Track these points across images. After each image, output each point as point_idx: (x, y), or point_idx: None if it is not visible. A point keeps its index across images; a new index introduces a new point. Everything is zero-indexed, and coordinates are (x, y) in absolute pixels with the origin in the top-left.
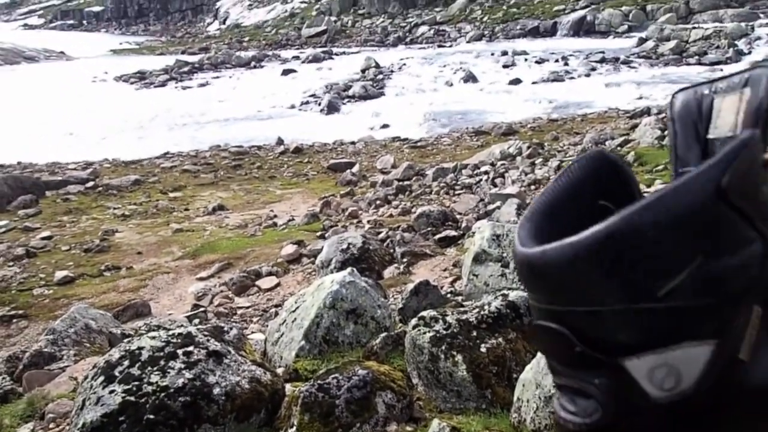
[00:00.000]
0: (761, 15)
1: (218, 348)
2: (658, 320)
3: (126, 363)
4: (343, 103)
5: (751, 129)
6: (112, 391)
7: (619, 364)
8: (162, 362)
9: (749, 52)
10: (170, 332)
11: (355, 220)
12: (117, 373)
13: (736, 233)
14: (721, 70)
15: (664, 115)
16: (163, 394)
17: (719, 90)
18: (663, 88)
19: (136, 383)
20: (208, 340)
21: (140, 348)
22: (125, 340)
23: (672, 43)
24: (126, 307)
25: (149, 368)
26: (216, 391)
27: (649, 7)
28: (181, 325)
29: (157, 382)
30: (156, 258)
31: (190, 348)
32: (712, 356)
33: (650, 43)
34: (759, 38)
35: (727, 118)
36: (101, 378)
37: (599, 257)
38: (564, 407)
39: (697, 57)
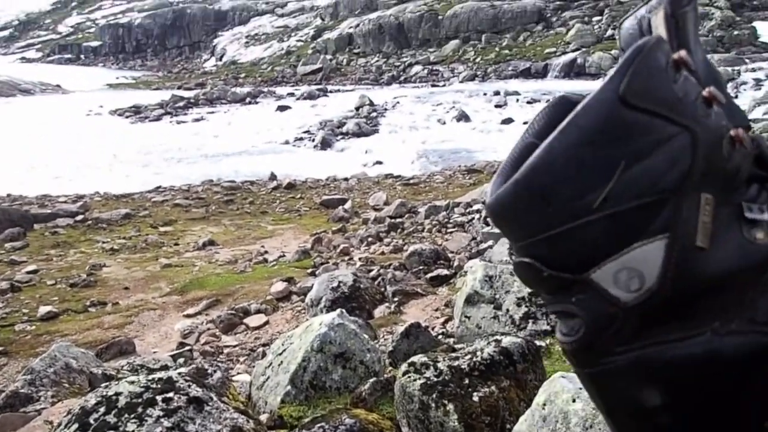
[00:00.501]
0: (747, 60)
1: (199, 394)
2: (603, 229)
3: (102, 410)
4: (337, 140)
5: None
6: None
7: (586, 278)
8: (140, 409)
9: (736, 96)
10: (150, 377)
11: (346, 257)
12: (92, 421)
13: (653, 133)
14: None
15: None
16: None
17: (652, 8)
18: None
19: None
20: (189, 386)
21: (117, 393)
22: (103, 385)
23: None
24: (110, 345)
25: (126, 416)
26: None
27: None
28: (164, 366)
29: (133, 431)
30: (143, 294)
31: (170, 394)
32: (667, 250)
33: None
34: (745, 83)
35: (660, 32)
36: (75, 426)
37: (531, 189)
38: (560, 331)
39: None
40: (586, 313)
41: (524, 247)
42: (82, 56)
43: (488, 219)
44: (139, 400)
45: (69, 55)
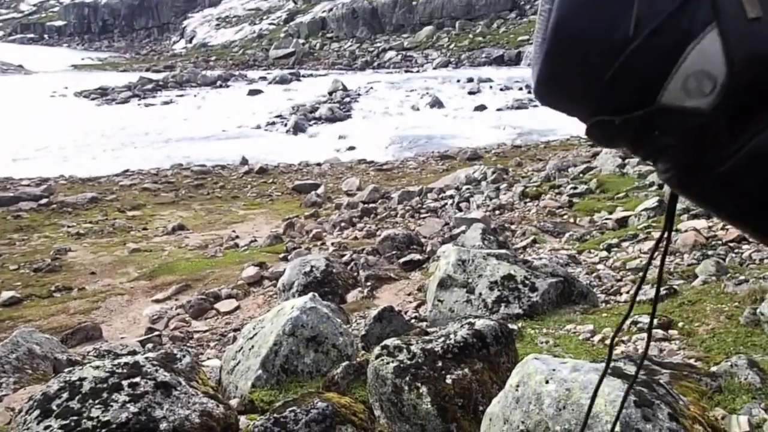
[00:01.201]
0: None
1: (167, 379)
2: (650, 50)
3: (65, 395)
4: (310, 125)
5: None
6: (47, 427)
7: (658, 106)
8: (105, 395)
9: None
10: (116, 361)
11: (319, 242)
12: (54, 407)
13: None
14: None
15: None
16: (104, 430)
17: None
18: None
19: (75, 418)
20: (156, 370)
21: (82, 379)
22: (66, 370)
23: None
24: (75, 331)
25: (90, 401)
26: (163, 426)
27: None
28: (132, 352)
29: (98, 417)
30: (110, 279)
31: (137, 379)
32: (722, 37)
33: None
34: None
35: None
36: (37, 412)
37: (563, 49)
38: (661, 172)
39: None
40: (674, 137)
41: (586, 108)
42: (45, 36)
43: (545, 104)
44: (104, 385)
45: (32, 35)
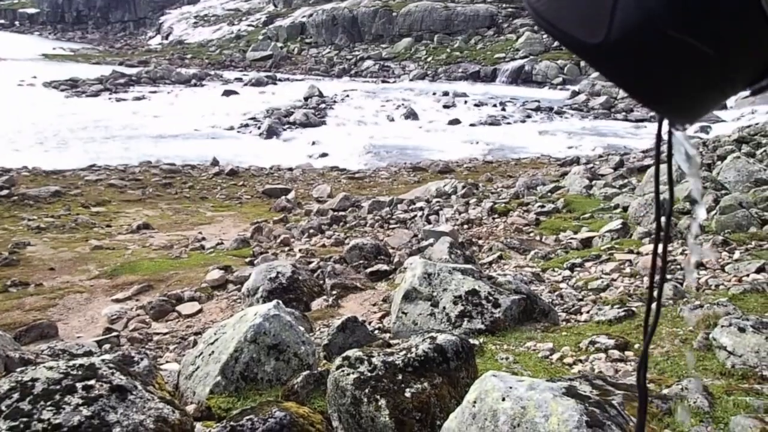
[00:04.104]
0: None
1: (123, 382)
2: None
3: (16, 396)
4: (284, 129)
5: None
6: None
7: None
8: (57, 397)
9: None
10: (70, 363)
11: (286, 248)
12: (4, 408)
13: None
14: (645, 126)
15: (592, 165)
16: None
17: None
18: (591, 140)
19: (25, 420)
20: (112, 374)
21: (34, 379)
22: (18, 370)
23: (602, 98)
24: (30, 328)
25: (42, 403)
26: (116, 430)
27: (583, 62)
28: (88, 352)
29: (48, 420)
30: (70, 275)
31: (92, 382)
32: None
33: (582, 96)
34: None
35: None
36: None
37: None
38: None
39: (624, 113)
40: None
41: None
42: (16, 23)
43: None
44: (57, 387)
45: (2, 21)
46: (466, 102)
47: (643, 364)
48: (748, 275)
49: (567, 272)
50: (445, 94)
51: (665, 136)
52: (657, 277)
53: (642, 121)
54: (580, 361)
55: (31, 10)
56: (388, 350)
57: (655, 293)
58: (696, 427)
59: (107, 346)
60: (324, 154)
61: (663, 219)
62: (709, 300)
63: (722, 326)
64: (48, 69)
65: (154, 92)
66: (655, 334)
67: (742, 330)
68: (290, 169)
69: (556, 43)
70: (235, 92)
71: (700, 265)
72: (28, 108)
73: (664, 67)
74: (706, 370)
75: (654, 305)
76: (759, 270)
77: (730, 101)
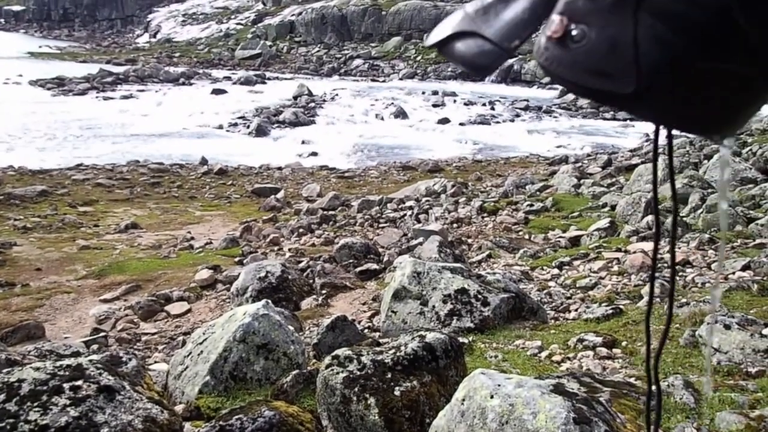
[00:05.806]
0: None
1: (111, 383)
2: None
3: (2, 397)
4: (273, 128)
5: None
6: None
7: None
8: (44, 397)
9: None
10: (58, 363)
11: (276, 248)
12: None
13: None
14: (633, 126)
15: (580, 164)
16: None
17: None
18: (580, 139)
19: (11, 421)
20: (100, 374)
21: (20, 380)
22: (4, 371)
23: None
24: (16, 328)
25: (29, 404)
26: (104, 431)
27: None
28: (75, 353)
29: (35, 421)
30: (57, 276)
31: (79, 382)
32: None
33: (571, 96)
34: None
35: None
36: None
37: None
38: None
39: (611, 112)
40: None
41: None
42: (2, 20)
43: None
44: (44, 388)
45: None
46: (455, 101)
47: (655, 360)
48: (734, 273)
49: (555, 271)
50: (435, 93)
51: (666, 137)
52: (656, 277)
53: (629, 119)
54: (569, 358)
55: (17, 8)
56: (378, 349)
57: (655, 292)
58: (682, 423)
59: (95, 347)
60: (313, 153)
61: (670, 220)
62: (695, 298)
63: (708, 323)
64: (34, 67)
65: (142, 91)
66: (643, 332)
67: (727, 327)
68: (279, 168)
69: None
70: (224, 91)
71: (687, 263)
72: (15, 107)
73: (703, 96)
74: (692, 366)
75: (656, 305)
76: (744, 268)
77: None
